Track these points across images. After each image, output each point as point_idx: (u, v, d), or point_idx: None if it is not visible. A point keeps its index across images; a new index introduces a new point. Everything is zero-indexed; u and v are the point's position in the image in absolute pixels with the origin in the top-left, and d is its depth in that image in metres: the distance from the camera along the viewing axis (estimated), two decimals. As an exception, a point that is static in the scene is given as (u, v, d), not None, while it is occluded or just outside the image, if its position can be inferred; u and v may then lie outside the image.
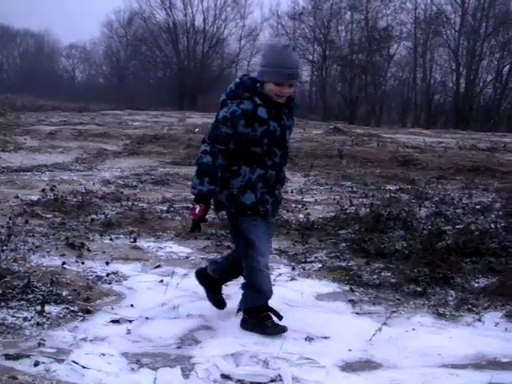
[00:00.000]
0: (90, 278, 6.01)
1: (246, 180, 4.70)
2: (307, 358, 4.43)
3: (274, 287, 5.89)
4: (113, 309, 5.25)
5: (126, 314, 5.12)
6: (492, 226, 8.15)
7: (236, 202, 4.73)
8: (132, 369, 4.17)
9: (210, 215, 4.97)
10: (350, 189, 12.05)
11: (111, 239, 7.46)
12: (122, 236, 7.63)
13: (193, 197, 4.72)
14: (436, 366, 4.45)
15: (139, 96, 53.80)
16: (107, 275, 6.10)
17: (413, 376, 4.21)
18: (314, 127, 27.88)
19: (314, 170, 14.12)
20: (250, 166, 4.70)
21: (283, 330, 4.78)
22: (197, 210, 4.64)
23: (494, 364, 4.53)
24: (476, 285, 6.22)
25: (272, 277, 6.22)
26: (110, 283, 5.92)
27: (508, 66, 49.24)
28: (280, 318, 4.89)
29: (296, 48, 4.72)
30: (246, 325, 4.87)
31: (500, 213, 9.37)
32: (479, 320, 5.32)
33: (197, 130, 22.82)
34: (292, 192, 11.22)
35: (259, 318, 4.85)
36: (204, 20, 57.11)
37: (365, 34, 51.88)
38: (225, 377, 4.10)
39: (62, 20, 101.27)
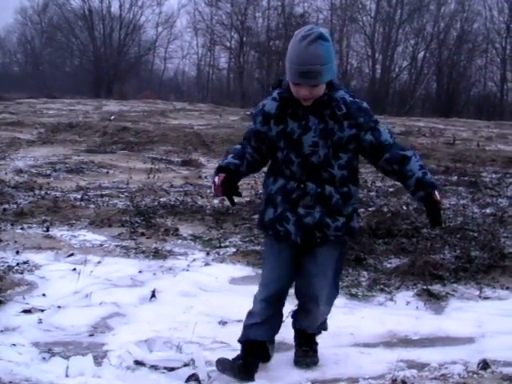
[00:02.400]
0: (1, 268, 5.90)
1: (268, 192, 4.08)
2: (221, 342, 4.47)
3: (188, 273, 5.95)
4: (24, 298, 5.16)
5: (37, 304, 5.05)
6: (404, 207, 8.31)
7: (259, 218, 4.23)
8: (43, 358, 4.13)
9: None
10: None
11: (23, 228, 7.33)
12: (34, 225, 7.49)
13: None
14: (348, 346, 4.55)
15: (55, 84, 52.86)
16: (18, 265, 6.00)
17: (325, 356, 4.28)
18: (231, 114, 27.81)
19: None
20: (273, 176, 4.02)
21: (246, 379, 4.00)
22: (212, 182, 4.00)
23: (404, 342, 4.65)
24: (388, 265, 6.35)
25: (186, 262, 6.27)
26: (21, 273, 5.82)
27: (422, 52, 50.18)
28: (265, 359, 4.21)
29: (322, 38, 3.64)
30: None
31: (412, 195, 9.54)
32: (391, 299, 5.45)
33: (112, 117, 22.53)
34: (206, 177, 11.19)
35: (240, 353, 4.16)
36: (120, 6, 56.24)
37: (282, 20, 51.98)
38: (138, 363, 4.09)
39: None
